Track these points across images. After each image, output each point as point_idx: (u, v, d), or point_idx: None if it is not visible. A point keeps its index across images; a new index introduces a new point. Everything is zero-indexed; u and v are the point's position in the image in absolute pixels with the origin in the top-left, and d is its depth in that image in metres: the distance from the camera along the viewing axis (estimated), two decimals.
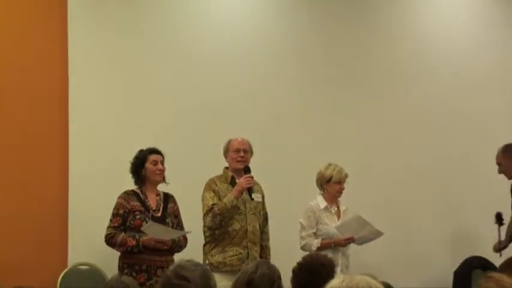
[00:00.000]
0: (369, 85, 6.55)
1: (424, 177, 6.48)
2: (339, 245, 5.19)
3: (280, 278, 3.08)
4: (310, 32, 6.44)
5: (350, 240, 5.20)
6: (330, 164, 5.35)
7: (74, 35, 5.75)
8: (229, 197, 4.97)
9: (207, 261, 4.95)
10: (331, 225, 5.24)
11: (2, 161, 5.53)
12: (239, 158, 5.09)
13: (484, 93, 6.82)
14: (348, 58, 6.52)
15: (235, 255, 4.98)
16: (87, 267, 5.57)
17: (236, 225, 5.01)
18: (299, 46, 6.42)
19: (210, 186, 5.07)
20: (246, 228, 5.02)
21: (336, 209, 5.37)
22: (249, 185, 4.99)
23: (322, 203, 5.30)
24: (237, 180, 5.05)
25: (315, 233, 5.22)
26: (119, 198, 4.90)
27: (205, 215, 5.00)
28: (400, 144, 6.55)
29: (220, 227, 4.99)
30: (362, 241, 5.27)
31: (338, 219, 5.31)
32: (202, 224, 5.04)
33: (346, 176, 5.33)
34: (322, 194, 5.34)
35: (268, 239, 5.23)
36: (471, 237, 6.01)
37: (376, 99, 6.56)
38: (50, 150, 5.66)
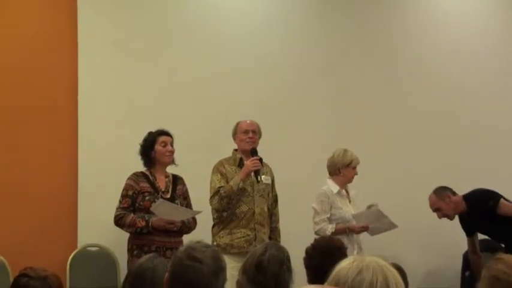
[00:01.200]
0: (381, 75, 6.62)
1: (435, 167, 6.46)
2: (353, 231, 5.17)
3: (289, 260, 3.05)
4: (328, 27, 6.53)
5: (364, 229, 5.19)
6: (345, 150, 5.31)
7: (83, 26, 5.72)
8: (235, 180, 4.96)
9: (214, 243, 4.96)
10: (345, 209, 5.21)
11: (12, 143, 5.53)
12: (248, 139, 5.08)
13: (491, 90, 6.87)
14: (360, 52, 6.57)
15: (243, 237, 4.98)
16: (96, 248, 5.59)
17: (244, 207, 5.01)
18: (312, 36, 6.46)
19: (218, 168, 5.07)
20: (254, 210, 5.02)
21: (346, 193, 5.35)
22: (256, 168, 4.96)
23: (334, 187, 5.25)
24: (246, 162, 5.04)
25: (329, 218, 5.18)
26: (128, 179, 4.91)
27: (212, 197, 5.00)
28: (412, 135, 6.59)
29: (227, 209, 4.99)
30: (375, 231, 5.27)
31: (349, 203, 5.30)
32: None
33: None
34: (332, 178, 5.30)
35: (278, 221, 5.22)
36: None
37: (387, 86, 6.63)
38: (60, 132, 5.66)
